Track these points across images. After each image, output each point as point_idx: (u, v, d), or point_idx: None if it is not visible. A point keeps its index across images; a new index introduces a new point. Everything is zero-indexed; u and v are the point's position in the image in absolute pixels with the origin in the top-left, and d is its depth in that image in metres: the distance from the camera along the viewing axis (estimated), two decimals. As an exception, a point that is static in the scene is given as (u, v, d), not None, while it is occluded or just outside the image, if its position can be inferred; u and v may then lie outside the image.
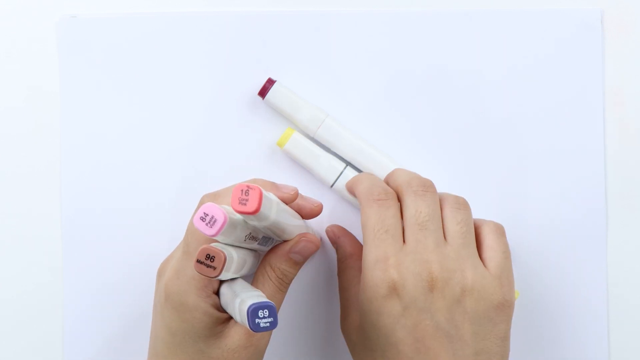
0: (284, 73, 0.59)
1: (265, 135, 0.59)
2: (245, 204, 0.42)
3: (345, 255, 0.56)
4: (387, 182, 0.54)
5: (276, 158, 0.59)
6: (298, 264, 0.52)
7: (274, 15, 0.59)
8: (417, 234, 0.49)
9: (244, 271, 0.48)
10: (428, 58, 0.59)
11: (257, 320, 0.43)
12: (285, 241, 0.51)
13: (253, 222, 0.45)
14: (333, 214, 0.59)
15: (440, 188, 0.58)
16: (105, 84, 0.59)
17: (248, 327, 0.43)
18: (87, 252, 0.59)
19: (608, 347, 0.59)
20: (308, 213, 0.52)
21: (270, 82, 0.58)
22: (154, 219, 0.59)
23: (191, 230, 0.49)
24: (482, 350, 0.49)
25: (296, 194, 0.51)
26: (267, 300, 0.44)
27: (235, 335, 0.49)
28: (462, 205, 0.52)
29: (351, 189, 0.55)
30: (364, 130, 0.59)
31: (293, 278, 0.52)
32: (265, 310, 0.43)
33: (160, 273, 0.52)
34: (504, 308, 0.50)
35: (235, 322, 0.48)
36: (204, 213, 0.42)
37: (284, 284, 0.51)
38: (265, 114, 0.59)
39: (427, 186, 0.52)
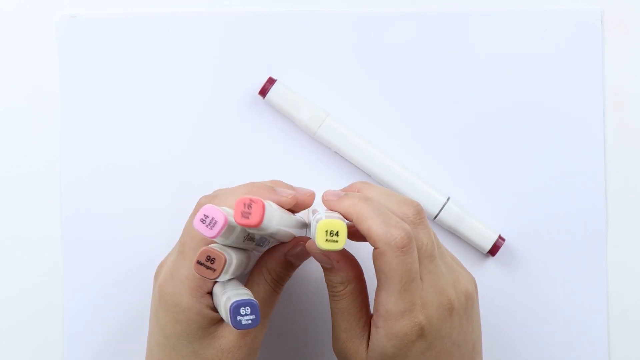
0: (285, 72, 0.59)
1: (265, 135, 0.59)
2: (248, 217, 0.42)
3: (348, 279, 0.49)
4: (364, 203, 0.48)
5: (277, 157, 0.59)
6: (294, 267, 0.51)
7: (275, 15, 0.59)
8: (429, 267, 0.47)
9: (240, 271, 0.48)
10: (428, 58, 0.59)
11: (238, 318, 0.43)
12: (281, 243, 0.51)
13: (252, 231, 0.45)
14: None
15: (441, 188, 0.58)
16: (105, 84, 0.59)
17: (230, 325, 0.43)
18: (87, 252, 0.59)
19: (608, 347, 0.59)
20: (301, 204, 0.51)
21: (271, 82, 0.58)
22: (155, 219, 0.59)
23: (188, 230, 0.49)
24: (477, 340, 0.49)
25: (294, 199, 0.50)
26: (251, 298, 0.44)
27: (229, 335, 0.49)
28: (421, 213, 0.49)
29: (354, 219, 0.47)
30: (364, 129, 0.59)
31: (288, 279, 0.52)
32: (247, 307, 0.43)
33: (157, 275, 0.52)
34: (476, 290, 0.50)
35: None
36: (204, 215, 0.42)
37: (279, 286, 0.51)
38: (265, 113, 0.59)
39: (419, 212, 0.48)
